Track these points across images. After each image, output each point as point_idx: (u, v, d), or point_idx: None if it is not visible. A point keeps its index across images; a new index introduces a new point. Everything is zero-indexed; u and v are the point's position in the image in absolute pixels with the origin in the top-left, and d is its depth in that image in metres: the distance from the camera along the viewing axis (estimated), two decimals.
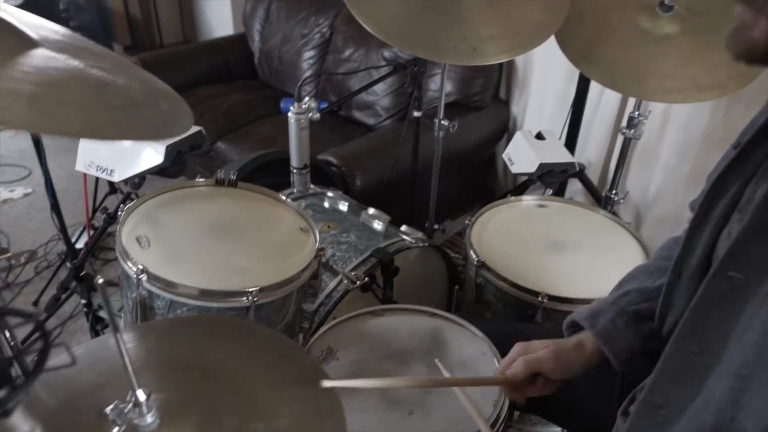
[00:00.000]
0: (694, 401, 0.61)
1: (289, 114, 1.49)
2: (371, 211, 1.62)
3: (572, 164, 1.44)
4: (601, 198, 2.13)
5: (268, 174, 1.79)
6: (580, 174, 2.06)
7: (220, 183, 1.23)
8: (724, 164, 0.68)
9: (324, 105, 2.56)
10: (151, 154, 1.23)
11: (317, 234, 1.18)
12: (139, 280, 0.98)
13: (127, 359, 0.60)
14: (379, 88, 2.37)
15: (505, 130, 2.42)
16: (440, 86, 1.61)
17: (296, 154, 1.53)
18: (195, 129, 1.13)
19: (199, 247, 1.08)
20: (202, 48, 3.10)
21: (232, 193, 1.23)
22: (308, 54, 2.67)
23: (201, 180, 1.22)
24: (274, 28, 2.84)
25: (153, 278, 0.98)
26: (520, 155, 1.50)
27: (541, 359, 0.85)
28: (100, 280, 0.55)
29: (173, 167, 1.19)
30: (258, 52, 2.95)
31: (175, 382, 0.71)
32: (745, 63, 0.58)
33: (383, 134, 2.14)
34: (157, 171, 1.19)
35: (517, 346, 0.89)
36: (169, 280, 0.97)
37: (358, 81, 2.47)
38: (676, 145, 1.97)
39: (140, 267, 0.98)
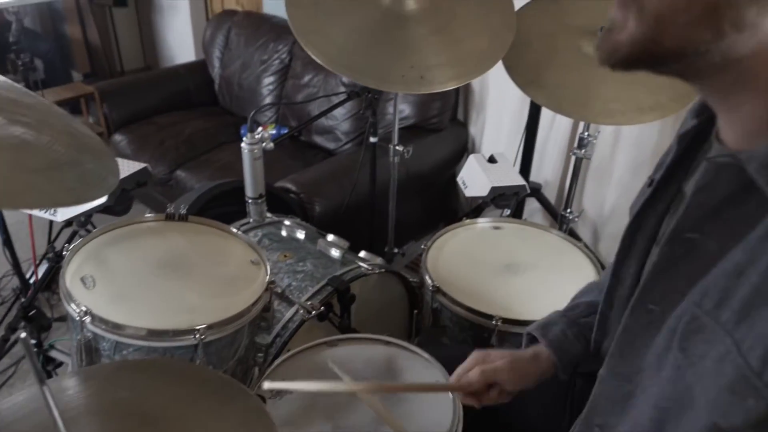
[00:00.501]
0: (625, 426, 0.63)
1: (243, 145, 1.48)
2: (330, 237, 1.62)
3: (523, 186, 1.47)
4: (557, 214, 2.18)
5: (226, 203, 1.78)
6: (537, 193, 2.10)
7: (170, 218, 1.21)
8: (641, 201, 0.70)
9: (284, 130, 2.57)
10: None
11: (268, 266, 1.18)
12: (82, 322, 0.96)
13: (55, 412, 0.59)
14: (339, 112, 2.39)
15: (464, 151, 2.46)
16: (394, 112, 1.63)
17: (251, 184, 1.52)
18: (140, 166, 1.12)
19: (146, 285, 1.07)
20: (161, 75, 3.09)
21: (182, 227, 1.22)
22: (268, 80, 2.68)
23: (150, 215, 1.21)
24: (234, 54, 2.84)
25: (97, 320, 0.97)
26: (474, 179, 1.52)
27: (497, 369, 0.86)
28: (23, 335, 0.54)
29: (118, 205, 1.17)
30: (218, 79, 2.95)
31: (111, 430, 0.70)
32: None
33: (342, 159, 2.15)
34: (102, 209, 1.18)
35: (475, 354, 0.90)
36: (113, 321, 0.96)
37: (318, 106, 2.48)
38: (628, 163, 2.02)
39: (84, 309, 0.96)
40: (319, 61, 1.34)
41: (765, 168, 0.48)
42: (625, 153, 2.02)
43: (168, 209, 1.22)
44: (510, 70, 1.49)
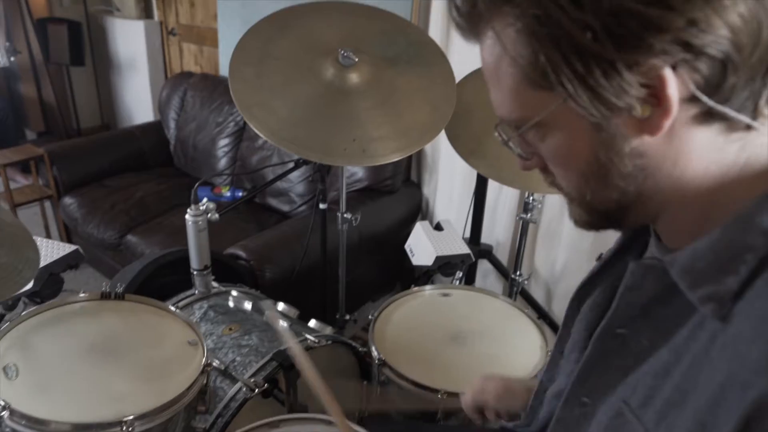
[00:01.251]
0: None
1: (187, 217, 1.47)
2: (280, 306, 1.60)
3: (468, 255, 1.48)
4: (507, 276, 2.20)
5: (173, 272, 1.74)
6: (489, 255, 2.12)
7: (105, 297, 1.18)
8: (588, 275, 0.72)
9: (239, 192, 2.56)
10: None
11: (206, 346, 1.15)
12: (0, 417, 0.91)
13: None
14: (293, 175, 2.39)
15: (418, 211, 2.48)
16: (341, 180, 1.64)
17: (196, 256, 1.50)
18: (70, 248, 1.09)
19: (74, 373, 1.02)
20: (115, 137, 3.06)
21: (118, 306, 1.18)
22: (223, 142, 2.68)
23: (84, 295, 1.17)
24: (189, 116, 2.85)
25: (17, 415, 0.92)
26: (420, 247, 1.53)
27: (485, 395, 0.99)
28: None
29: (46, 289, 1.14)
30: (173, 140, 2.94)
31: None
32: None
33: (294, 224, 2.14)
34: (28, 295, 1.14)
35: (477, 380, 1.02)
36: (35, 416, 0.91)
37: (273, 168, 2.49)
38: None
39: (2, 403, 0.92)
40: (261, 134, 1.35)
41: (686, 273, 0.50)
42: None
43: (103, 287, 1.19)
44: (453, 140, 1.52)
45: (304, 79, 1.44)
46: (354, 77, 1.44)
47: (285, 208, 2.46)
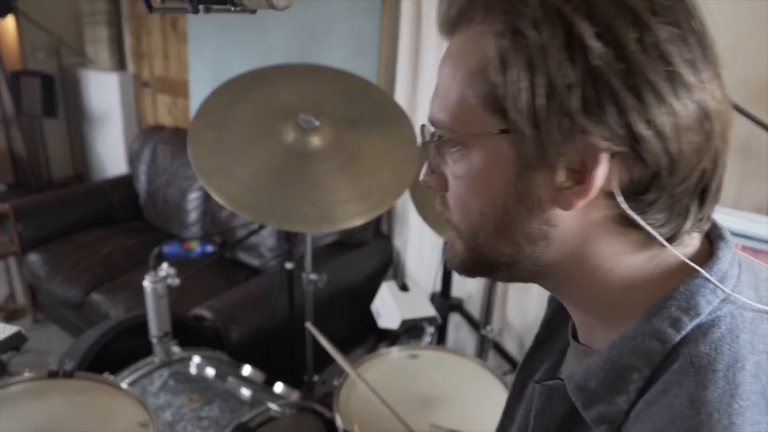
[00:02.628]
0: None
1: (145, 283, 1.44)
2: (245, 371, 1.55)
3: (434, 318, 1.46)
4: (478, 330, 2.18)
5: (134, 337, 1.69)
6: (459, 308, 2.10)
7: (52, 375, 1.13)
8: (524, 358, 0.71)
9: (208, 247, 2.53)
10: None
11: (159, 425, 1.10)
12: None
13: None
14: (263, 229, 2.37)
15: (389, 263, 2.46)
16: (306, 242, 1.62)
17: (155, 323, 1.46)
18: (11, 330, 1.05)
19: None
20: (83, 191, 3.02)
21: (66, 386, 1.14)
22: (193, 195, 2.66)
23: (29, 374, 1.12)
24: (160, 169, 2.83)
25: None
26: (386, 309, 1.51)
27: None
28: None
29: None
30: (143, 193, 2.91)
31: None
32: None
33: (261, 282, 2.11)
34: None
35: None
36: None
37: (242, 221, 2.47)
38: None
39: None
40: (220, 201, 1.34)
41: (580, 392, 0.49)
42: None
43: (50, 365, 1.14)
44: (417, 203, 1.52)
45: (265, 144, 1.43)
46: (315, 140, 1.44)
47: (255, 262, 2.43)
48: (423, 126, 0.56)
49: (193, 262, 2.43)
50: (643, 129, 0.42)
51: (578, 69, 0.42)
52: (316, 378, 1.81)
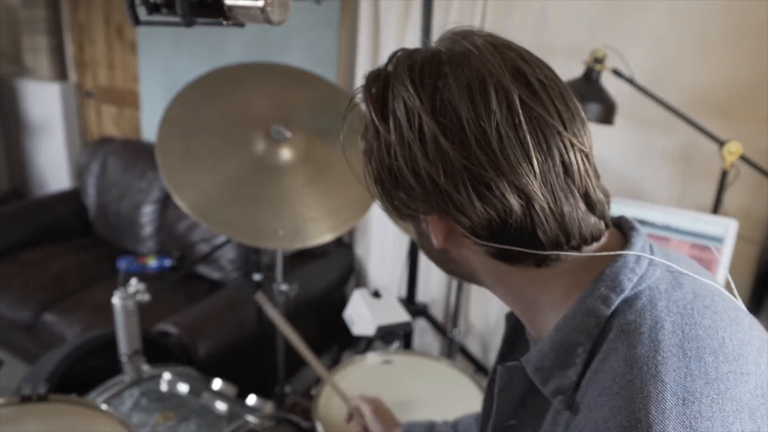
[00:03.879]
0: None
1: (114, 300, 1.40)
2: (216, 385, 1.53)
3: (408, 323, 1.49)
4: (446, 333, 2.22)
5: (98, 357, 1.64)
6: (425, 313, 2.14)
7: (25, 400, 1.09)
8: (491, 374, 0.77)
9: (166, 261, 2.47)
10: None
11: None
12: None
13: None
14: (223, 240, 2.34)
15: (351, 271, 2.48)
16: (277, 252, 1.62)
17: (125, 340, 1.43)
18: None
19: None
20: (27, 207, 2.88)
21: (41, 410, 1.10)
22: (147, 209, 2.60)
23: (1, 400, 1.08)
24: (110, 182, 2.74)
25: None
26: (359, 317, 1.52)
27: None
28: None
29: None
30: (93, 208, 2.82)
31: None
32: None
33: (226, 294, 2.08)
34: None
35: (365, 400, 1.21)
36: None
37: (200, 234, 2.43)
38: None
39: None
40: (191, 215, 1.33)
41: (537, 371, 0.57)
42: None
43: (23, 389, 1.10)
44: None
45: (235, 154, 1.43)
46: (286, 153, 1.45)
47: (216, 275, 2.39)
48: None
49: (151, 277, 2.37)
50: (449, 207, 0.55)
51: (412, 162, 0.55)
52: (288, 389, 1.80)
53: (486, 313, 2.23)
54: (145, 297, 1.45)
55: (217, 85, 1.51)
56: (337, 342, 2.62)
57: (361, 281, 2.53)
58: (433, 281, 2.25)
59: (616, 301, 0.53)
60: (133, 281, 1.45)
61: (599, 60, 1.54)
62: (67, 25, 3.39)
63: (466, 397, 1.46)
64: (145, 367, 1.52)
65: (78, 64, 3.42)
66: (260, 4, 0.76)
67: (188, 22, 0.81)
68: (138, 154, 2.72)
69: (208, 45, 2.52)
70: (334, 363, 2.61)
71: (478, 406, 1.42)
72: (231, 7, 0.78)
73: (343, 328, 2.58)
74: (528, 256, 0.56)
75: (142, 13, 0.85)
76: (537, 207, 0.53)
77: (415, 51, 0.59)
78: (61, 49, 3.45)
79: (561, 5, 1.79)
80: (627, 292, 0.53)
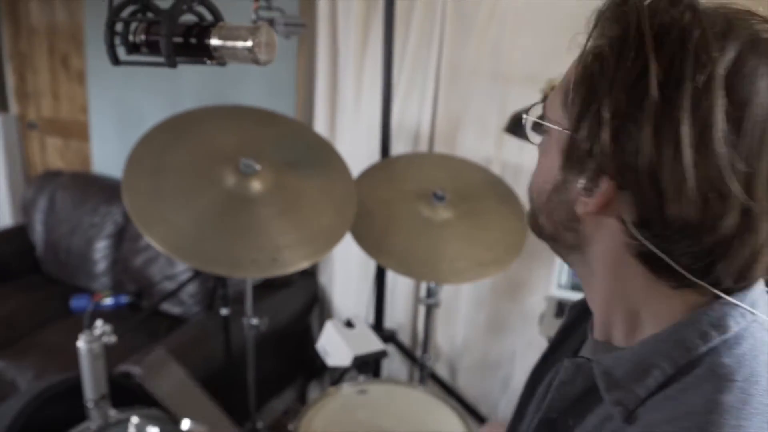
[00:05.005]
0: None
1: (79, 344, 1.34)
2: (186, 425, 1.48)
3: (384, 351, 1.50)
4: (416, 359, 2.23)
5: (58, 404, 1.57)
6: (393, 339, 2.14)
7: None
8: (537, 362, 0.78)
9: (123, 298, 2.39)
10: None
11: None
12: None
13: None
14: (184, 275, 2.28)
15: (314, 300, 2.46)
16: (246, 285, 1.60)
17: (92, 385, 1.37)
18: None
19: None
20: None
21: None
22: (101, 244, 2.51)
23: None
24: (60, 217, 2.64)
25: None
26: (334, 348, 1.52)
27: None
28: None
29: None
30: (41, 245, 2.69)
31: None
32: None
33: (190, 330, 2.02)
34: None
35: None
36: None
37: (159, 269, 2.36)
38: (471, 299, 2.16)
39: None
40: (163, 250, 1.30)
41: (605, 375, 0.56)
42: (467, 291, 2.16)
43: None
44: (358, 239, 1.55)
45: (205, 190, 1.41)
46: (257, 185, 1.44)
47: (176, 310, 2.32)
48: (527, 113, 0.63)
49: (107, 314, 2.27)
50: (645, 176, 0.48)
51: (629, 105, 0.48)
52: (260, 424, 1.76)
53: (452, 336, 2.25)
54: (112, 338, 1.40)
55: (181, 126, 1.50)
56: (301, 375, 2.58)
57: (325, 310, 2.51)
58: (399, 307, 2.26)
59: (715, 341, 0.51)
60: (98, 322, 1.39)
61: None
62: (8, 54, 3.27)
63: (445, 423, 1.47)
64: (112, 412, 1.46)
65: (20, 95, 3.30)
66: (249, 44, 0.76)
67: (172, 63, 0.81)
68: (89, 187, 2.64)
69: (162, 75, 2.48)
70: (300, 395, 2.57)
71: (457, 430, 1.44)
72: (218, 48, 0.78)
73: (307, 358, 2.56)
74: (682, 277, 0.51)
75: (121, 53, 0.85)
76: (750, 239, 0.48)
77: None
78: (2, 80, 3.32)
79: (514, 35, 1.86)
80: (729, 335, 0.51)
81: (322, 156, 1.59)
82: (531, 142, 0.64)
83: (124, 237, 2.49)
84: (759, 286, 0.55)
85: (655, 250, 0.51)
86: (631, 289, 0.56)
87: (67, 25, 3.00)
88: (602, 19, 0.52)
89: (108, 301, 2.37)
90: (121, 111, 2.68)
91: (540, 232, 0.64)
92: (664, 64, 0.47)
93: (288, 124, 1.62)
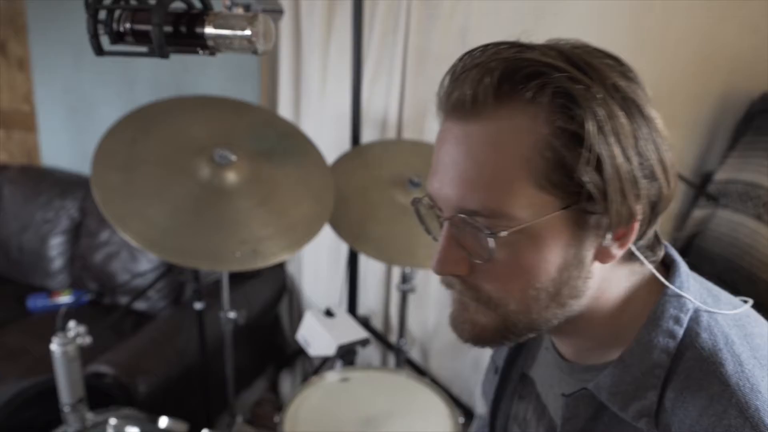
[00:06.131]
0: None
1: (53, 347, 1.29)
2: (163, 422, 1.45)
3: (367, 339, 1.50)
4: (390, 344, 2.25)
5: (29, 409, 1.51)
6: (367, 325, 2.15)
7: None
8: (493, 388, 0.79)
9: (84, 295, 2.30)
10: None
11: None
12: None
13: None
14: (149, 271, 2.22)
15: (283, 290, 2.44)
16: (222, 278, 1.57)
17: (67, 389, 1.32)
18: None
19: None
20: None
21: None
22: (56, 240, 2.40)
23: None
24: (9, 214, 2.50)
25: None
26: (316, 338, 1.51)
27: None
28: None
29: None
30: None
31: None
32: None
33: (160, 326, 1.97)
34: None
35: None
36: None
37: (121, 264, 2.28)
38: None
39: None
40: (143, 248, 1.26)
41: (613, 396, 0.58)
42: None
43: None
44: (336, 228, 1.54)
45: (179, 182, 1.37)
46: (232, 176, 1.41)
47: (142, 306, 2.25)
48: (451, 218, 0.55)
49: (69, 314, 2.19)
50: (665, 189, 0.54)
51: (636, 151, 0.51)
52: (240, 419, 1.75)
53: (424, 320, 2.28)
54: (87, 340, 1.35)
55: (149, 118, 1.45)
56: (272, 364, 2.56)
57: (294, 300, 2.49)
58: (371, 294, 2.27)
59: (685, 320, 0.56)
60: (72, 324, 1.34)
61: None
62: None
63: (429, 405, 1.49)
64: (89, 415, 1.41)
65: None
66: (248, 33, 0.74)
67: (164, 54, 0.78)
68: (40, 181, 2.51)
69: (114, 61, 2.37)
70: (271, 385, 2.55)
71: (442, 415, 1.46)
72: (212, 37, 0.76)
73: (277, 349, 2.54)
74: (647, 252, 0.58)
75: (105, 42, 0.81)
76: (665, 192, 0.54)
77: None
78: None
79: (480, 21, 1.88)
80: (690, 312, 0.56)
81: (296, 145, 1.57)
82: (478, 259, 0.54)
83: (80, 233, 2.39)
84: (681, 264, 0.61)
85: (641, 256, 0.58)
86: (608, 305, 0.59)
87: (4, 9, 2.83)
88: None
89: (67, 299, 2.28)
90: (70, 101, 2.56)
91: (511, 335, 0.59)
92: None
93: (259, 114, 1.59)
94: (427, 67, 1.97)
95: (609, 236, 0.54)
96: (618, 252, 0.55)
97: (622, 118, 0.50)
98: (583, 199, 0.51)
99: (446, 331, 2.19)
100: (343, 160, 1.70)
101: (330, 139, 2.04)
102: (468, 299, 0.58)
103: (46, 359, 1.80)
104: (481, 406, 0.87)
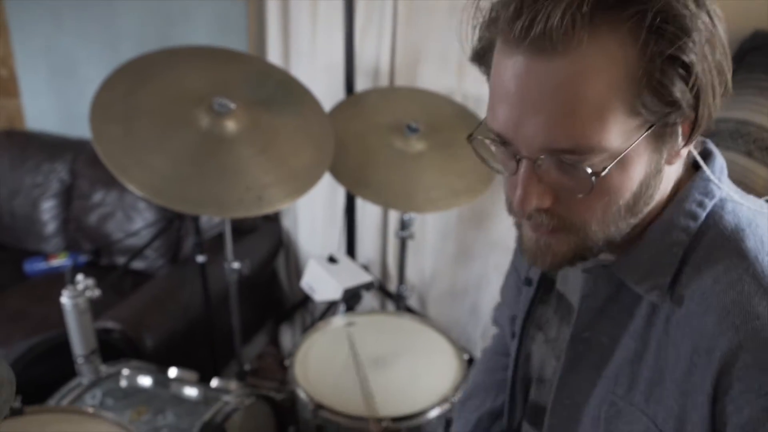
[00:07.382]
0: None
1: (64, 300, 1.30)
2: (173, 373, 1.48)
3: (371, 283, 1.53)
4: (389, 292, 2.29)
5: (40, 364, 1.52)
6: None
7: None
8: (527, 301, 0.80)
9: (81, 258, 2.30)
10: None
11: None
12: None
13: None
14: (145, 229, 2.21)
15: (279, 245, 2.45)
16: (225, 228, 1.58)
17: (80, 341, 1.34)
18: None
19: None
20: None
21: (20, 426, 1.01)
22: (47, 204, 2.38)
23: None
24: None
25: None
26: (321, 283, 1.53)
27: None
28: None
29: None
30: None
31: None
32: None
33: (162, 282, 1.98)
34: None
35: None
36: None
37: (116, 224, 2.28)
38: (439, 229, 2.22)
39: None
40: (147, 197, 1.26)
41: (631, 271, 0.61)
42: (434, 221, 2.21)
43: None
44: (336, 174, 1.55)
45: (180, 131, 1.37)
46: (231, 125, 1.40)
47: (139, 265, 2.26)
48: (535, 161, 0.53)
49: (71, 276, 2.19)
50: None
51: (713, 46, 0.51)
52: (248, 366, 1.78)
53: (421, 267, 2.31)
54: (96, 292, 1.36)
55: (143, 70, 1.43)
56: (271, 319, 2.59)
57: (291, 254, 2.51)
58: (367, 242, 2.29)
59: (709, 205, 0.59)
60: (80, 277, 1.35)
61: None
62: None
63: (434, 346, 1.53)
64: (102, 367, 1.43)
65: None
66: None
67: None
68: (26, 146, 2.47)
69: (97, 20, 2.31)
70: (272, 339, 2.59)
71: (449, 355, 1.50)
72: None
73: (276, 303, 2.57)
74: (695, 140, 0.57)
75: None
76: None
77: None
78: None
79: None
80: (716, 199, 0.59)
81: (293, 93, 1.56)
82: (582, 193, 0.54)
83: (72, 195, 2.37)
84: (717, 153, 0.64)
85: (696, 155, 0.62)
86: (655, 185, 0.58)
87: None
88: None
89: (64, 261, 2.27)
90: (51, 61, 2.50)
91: (587, 254, 0.59)
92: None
93: (253, 63, 1.58)
94: (419, 14, 1.95)
95: (681, 139, 0.55)
96: (684, 151, 0.57)
97: (714, 36, 0.51)
98: (672, 114, 0.51)
99: (444, 277, 2.26)
100: (339, 108, 1.70)
101: (323, 89, 2.02)
102: (545, 228, 0.58)
103: (47, 320, 1.83)
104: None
